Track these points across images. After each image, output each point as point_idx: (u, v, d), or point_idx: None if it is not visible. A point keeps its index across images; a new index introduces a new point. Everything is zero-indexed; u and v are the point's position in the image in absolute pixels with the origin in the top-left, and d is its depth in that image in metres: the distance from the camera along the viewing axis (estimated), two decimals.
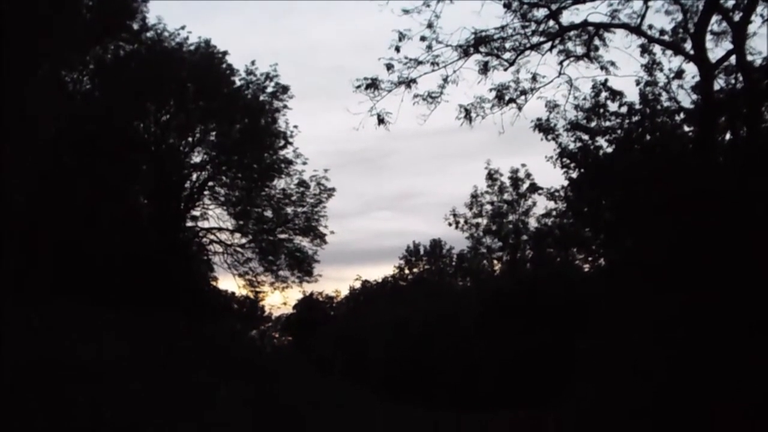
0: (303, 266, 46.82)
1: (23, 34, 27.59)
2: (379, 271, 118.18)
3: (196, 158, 44.89)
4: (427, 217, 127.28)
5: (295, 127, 45.69)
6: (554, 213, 41.63)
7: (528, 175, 56.67)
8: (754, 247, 22.07)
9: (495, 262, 58.45)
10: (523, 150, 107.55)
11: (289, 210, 46.54)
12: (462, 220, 57.67)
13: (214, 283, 46.71)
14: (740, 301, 21.38)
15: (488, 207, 57.03)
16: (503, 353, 40.88)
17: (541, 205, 57.45)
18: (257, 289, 47.53)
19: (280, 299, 54.41)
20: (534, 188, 54.92)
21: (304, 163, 46.32)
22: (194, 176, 45.01)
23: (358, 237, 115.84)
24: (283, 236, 46.63)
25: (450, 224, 57.57)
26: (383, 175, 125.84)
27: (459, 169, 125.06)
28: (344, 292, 77.06)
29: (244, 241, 46.38)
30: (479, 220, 57.44)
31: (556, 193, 34.33)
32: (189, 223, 45.18)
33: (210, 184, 45.43)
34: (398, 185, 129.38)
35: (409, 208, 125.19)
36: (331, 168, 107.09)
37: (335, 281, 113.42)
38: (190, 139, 44.19)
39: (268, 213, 46.50)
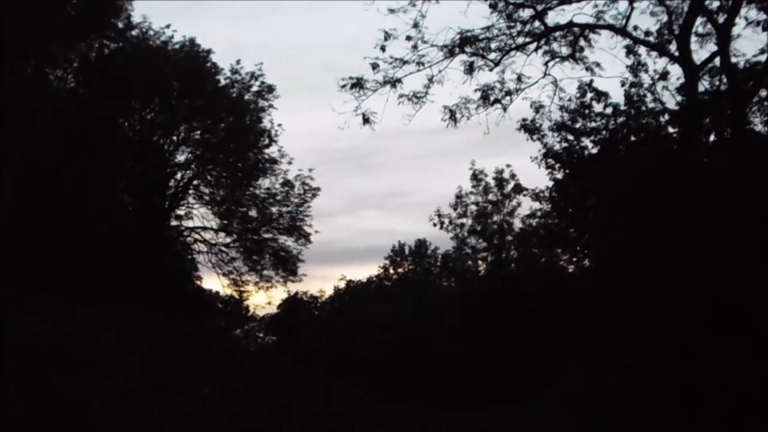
0: (287, 265, 47.14)
1: (9, 27, 27.36)
2: (365, 271, 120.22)
3: (181, 157, 45.04)
4: (413, 216, 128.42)
5: (279, 125, 45.99)
6: (539, 213, 41.67)
7: (513, 176, 56.54)
8: (738, 248, 22.24)
9: (480, 262, 58.41)
10: (508, 150, 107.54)
11: (274, 209, 46.76)
12: (447, 221, 57.55)
13: (198, 283, 46.49)
14: (722, 297, 21.55)
15: (473, 207, 57.08)
16: (486, 351, 40.95)
17: (526, 205, 57.31)
18: (241, 289, 47.66)
19: (264, 299, 55.10)
20: (519, 189, 55.01)
21: (290, 163, 46.60)
22: (179, 175, 45.13)
23: (344, 236, 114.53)
24: (267, 236, 46.84)
25: (435, 224, 57.23)
26: (370, 174, 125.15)
27: (445, 168, 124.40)
28: (329, 291, 77.00)
29: (228, 240, 46.52)
30: (464, 220, 57.39)
31: (541, 194, 34.43)
32: (173, 222, 45.36)
33: (195, 182, 45.41)
34: (384, 184, 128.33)
35: (396, 207, 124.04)
36: (317, 166, 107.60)
37: (320, 281, 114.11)
38: (174, 137, 44.31)
39: (253, 212, 46.60)
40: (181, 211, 45.37)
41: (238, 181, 45.52)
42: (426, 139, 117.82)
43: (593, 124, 29.50)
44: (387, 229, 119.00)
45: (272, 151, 46.10)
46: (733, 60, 26.87)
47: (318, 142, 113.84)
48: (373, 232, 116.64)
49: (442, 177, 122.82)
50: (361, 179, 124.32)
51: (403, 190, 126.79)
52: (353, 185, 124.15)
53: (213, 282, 62.08)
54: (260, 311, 62.30)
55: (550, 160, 30.19)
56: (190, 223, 45.67)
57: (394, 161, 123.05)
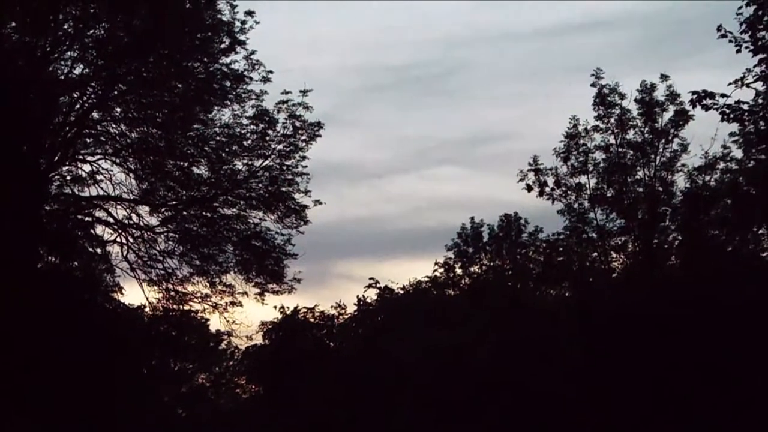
0: (265, 265, 29.14)
1: None
2: (416, 269, 76.54)
3: (69, 68, 26.73)
4: (510, 174, 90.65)
5: (250, 14, 27.30)
6: (727, 160, 28.77)
7: (673, 96, 30.40)
8: None
9: (613, 254, 31.85)
10: (672, 57, 72.38)
11: (239, 164, 28.60)
12: (552, 180, 31.53)
13: (117, 297, 28.96)
14: None
15: (599, 156, 31.29)
16: (625, 403, 26.88)
17: (698, 147, 30.48)
18: (186, 306, 29.76)
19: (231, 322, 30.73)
20: (683, 117, 30.09)
21: (267, 79, 27.69)
22: (66, 102, 27.00)
23: (393, 211, 74.25)
24: (228, 211, 28.83)
25: (530, 188, 31.58)
26: (444, 107, 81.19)
27: (564, 94, 74.70)
28: (350, 306, 44.70)
29: (154, 220, 28.49)
30: (582, 179, 31.56)
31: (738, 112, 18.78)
32: (58, 189, 27.57)
33: (94, 116, 27.69)
34: (468, 123, 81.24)
35: (485, 159, 78.07)
36: (357, 92, 68.28)
37: (333, 290, 74.17)
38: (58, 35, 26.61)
39: (202, 169, 28.60)
40: (78, 168, 27.50)
41: (170, 114, 27.61)
42: (540, 47, 77.61)
43: None
44: (468, 196, 73.03)
45: (236, 59, 27.48)
46: None
47: (357, 53, 78.05)
48: (446, 201, 69.90)
49: (562, 107, 75.83)
50: (429, 116, 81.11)
51: (495, 131, 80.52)
52: (415, 126, 79.85)
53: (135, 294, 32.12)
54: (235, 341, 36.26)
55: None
56: (91, 192, 27.63)
57: (482, 85, 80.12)
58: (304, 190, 28.41)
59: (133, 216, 27.89)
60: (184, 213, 28.40)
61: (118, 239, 27.85)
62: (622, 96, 30.40)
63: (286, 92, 27.91)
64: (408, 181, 71.65)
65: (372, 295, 41.60)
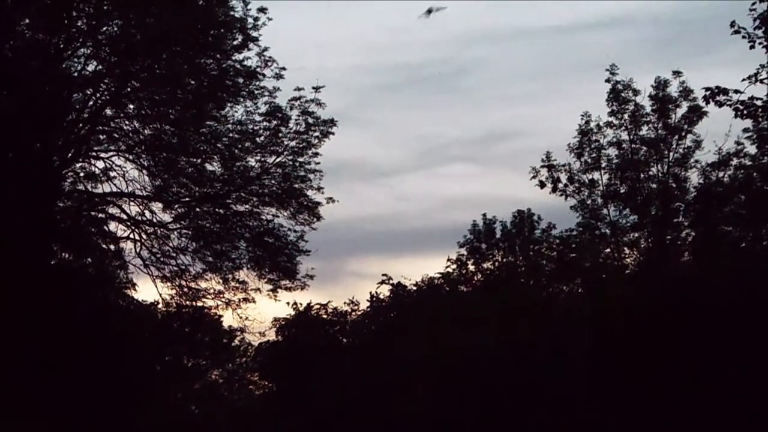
0: (278, 261, 29.21)
1: None
2: (428, 267, 71.43)
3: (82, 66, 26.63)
4: (524, 172, 73.65)
5: (263, 11, 26.96)
6: (741, 156, 28.92)
7: (687, 92, 30.65)
8: None
9: (626, 250, 32.25)
10: (685, 55, 74.21)
11: (252, 161, 28.58)
12: (564, 176, 31.74)
13: (131, 293, 28.84)
14: None
15: (612, 152, 31.77)
16: (638, 401, 26.62)
17: (712, 143, 30.45)
18: (199, 303, 29.94)
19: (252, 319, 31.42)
20: (696, 113, 30.25)
21: (279, 76, 27.57)
22: (79, 99, 26.96)
23: (407, 210, 71.36)
24: (241, 208, 28.76)
25: (543, 183, 31.70)
26: (457, 105, 77.67)
27: (580, 90, 72.65)
28: (363, 303, 43.91)
29: (167, 217, 28.46)
30: (595, 175, 31.87)
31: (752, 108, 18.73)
32: (71, 185, 27.71)
33: (107, 113, 27.59)
34: (481, 120, 79.19)
35: (498, 157, 75.50)
36: (366, 90, 67.29)
37: (346, 288, 71.04)
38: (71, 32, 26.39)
39: (214, 166, 28.54)
40: (91, 165, 27.64)
41: (183, 111, 27.51)
42: (554, 44, 72.98)
43: None
44: (481, 194, 70.82)
45: (249, 55, 27.41)
46: None
47: (366, 53, 74.00)
48: (458, 199, 67.80)
49: (571, 107, 78.66)
50: (442, 114, 78.16)
51: (508, 129, 78.57)
52: (427, 124, 77.76)
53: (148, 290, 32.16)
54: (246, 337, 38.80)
55: None
56: (104, 188, 27.72)
57: (495, 83, 77.88)
58: (317, 186, 28.42)
59: (146, 212, 28.02)
60: (197, 209, 28.43)
61: (131, 236, 28.00)
62: (636, 92, 30.68)
63: (299, 89, 27.82)
64: (420, 179, 73.07)
65: (385, 291, 41.31)
